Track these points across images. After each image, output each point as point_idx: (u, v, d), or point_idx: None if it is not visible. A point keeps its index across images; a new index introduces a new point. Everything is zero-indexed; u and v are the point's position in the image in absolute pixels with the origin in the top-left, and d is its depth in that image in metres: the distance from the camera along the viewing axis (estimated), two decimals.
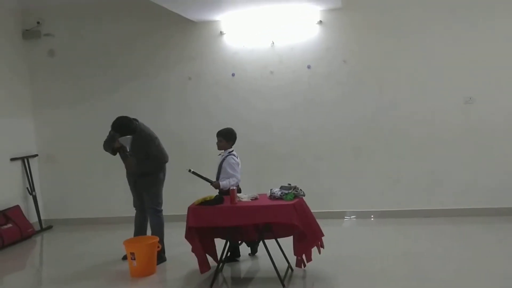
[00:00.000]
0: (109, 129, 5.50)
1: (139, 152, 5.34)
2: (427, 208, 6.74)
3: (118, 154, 5.43)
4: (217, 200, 4.63)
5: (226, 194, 4.82)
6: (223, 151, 5.16)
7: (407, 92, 6.75)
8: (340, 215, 6.94)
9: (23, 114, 7.37)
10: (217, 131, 5.18)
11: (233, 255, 5.22)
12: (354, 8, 6.73)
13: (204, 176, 4.97)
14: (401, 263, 5.07)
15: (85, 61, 7.40)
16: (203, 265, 4.69)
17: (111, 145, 5.37)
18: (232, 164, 5.05)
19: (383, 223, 6.64)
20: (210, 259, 4.87)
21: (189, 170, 4.95)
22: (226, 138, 5.16)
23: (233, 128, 5.24)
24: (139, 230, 5.63)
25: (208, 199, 4.62)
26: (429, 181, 6.76)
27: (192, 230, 4.62)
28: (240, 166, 5.16)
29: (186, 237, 4.69)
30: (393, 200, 6.84)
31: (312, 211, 4.75)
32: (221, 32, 7.03)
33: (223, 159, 5.11)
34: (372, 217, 6.85)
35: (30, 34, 7.38)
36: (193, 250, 4.75)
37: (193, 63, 7.16)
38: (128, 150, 5.34)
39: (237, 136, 5.23)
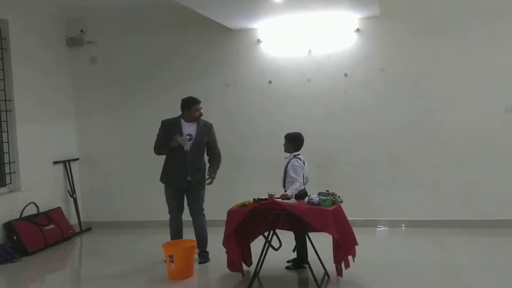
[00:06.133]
0: (154, 133, 5.68)
1: (203, 144, 5.57)
2: (465, 219, 6.62)
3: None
4: None
5: (299, 197, 4.90)
6: (289, 154, 5.21)
7: (446, 100, 6.68)
8: (375, 224, 6.89)
9: (66, 119, 7.60)
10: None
11: (301, 261, 5.16)
12: (392, 16, 6.72)
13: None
14: (439, 274, 5.00)
15: (126, 68, 7.59)
16: (239, 268, 4.78)
17: (166, 146, 5.51)
18: (295, 167, 5.07)
19: (419, 233, 6.56)
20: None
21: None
22: (289, 140, 5.23)
23: (301, 133, 5.31)
24: (176, 236, 5.72)
25: (247, 203, 4.70)
26: (468, 191, 6.66)
27: (232, 234, 4.70)
28: (305, 169, 5.18)
29: (224, 243, 4.79)
30: (430, 209, 6.76)
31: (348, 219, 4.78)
32: (258, 40, 7.12)
33: (288, 162, 5.16)
34: (403, 226, 6.80)
35: (74, 41, 7.61)
36: (228, 253, 4.86)
37: (231, 70, 7.27)
38: (186, 150, 5.48)
39: (303, 142, 5.29)
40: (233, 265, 4.91)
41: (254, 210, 4.66)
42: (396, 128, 6.83)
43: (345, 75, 6.92)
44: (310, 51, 6.98)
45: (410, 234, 6.63)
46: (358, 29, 6.80)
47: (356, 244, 4.76)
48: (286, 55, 7.07)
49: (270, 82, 7.15)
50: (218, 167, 5.73)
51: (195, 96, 5.72)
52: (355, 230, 4.85)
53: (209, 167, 5.71)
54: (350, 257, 4.77)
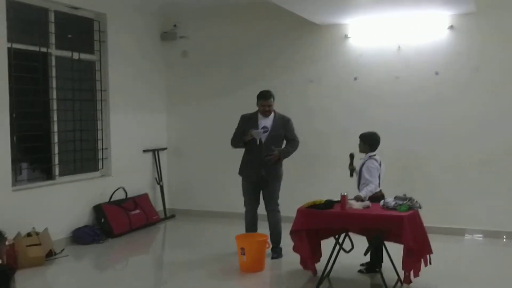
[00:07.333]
0: (233, 125, 5.77)
1: (279, 136, 5.59)
2: None
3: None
4: (327, 204, 4.61)
5: (374, 200, 4.77)
6: (365, 154, 5.10)
7: None
8: (462, 232, 6.49)
9: (157, 110, 7.96)
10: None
11: (374, 265, 4.99)
12: (489, 12, 6.27)
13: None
14: None
15: (214, 61, 7.78)
16: (310, 266, 4.77)
17: (241, 140, 5.61)
18: (370, 169, 4.94)
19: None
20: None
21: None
22: (364, 140, 5.11)
23: (376, 133, 5.16)
24: (251, 229, 5.77)
25: (318, 203, 4.63)
26: None
27: (300, 233, 4.68)
28: (382, 170, 5.04)
29: (292, 234, 4.84)
30: None
31: (430, 225, 4.56)
32: (346, 35, 6.97)
33: (363, 163, 5.05)
34: (505, 238, 6.31)
35: (167, 36, 7.94)
36: (296, 250, 4.88)
37: (315, 65, 7.19)
38: (258, 143, 5.53)
39: (379, 141, 5.13)
40: (304, 262, 4.89)
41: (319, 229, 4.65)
42: (490, 131, 6.37)
43: (436, 73, 6.57)
44: (399, 47, 6.71)
45: (502, 245, 6.17)
46: (451, 26, 6.43)
47: (431, 252, 4.52)
48: (374, 51, 6.86)
49: (355, 78, 6.97)
50: (288, 151, 5.65)
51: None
52: (437, 237, 4.68)
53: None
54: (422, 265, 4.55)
